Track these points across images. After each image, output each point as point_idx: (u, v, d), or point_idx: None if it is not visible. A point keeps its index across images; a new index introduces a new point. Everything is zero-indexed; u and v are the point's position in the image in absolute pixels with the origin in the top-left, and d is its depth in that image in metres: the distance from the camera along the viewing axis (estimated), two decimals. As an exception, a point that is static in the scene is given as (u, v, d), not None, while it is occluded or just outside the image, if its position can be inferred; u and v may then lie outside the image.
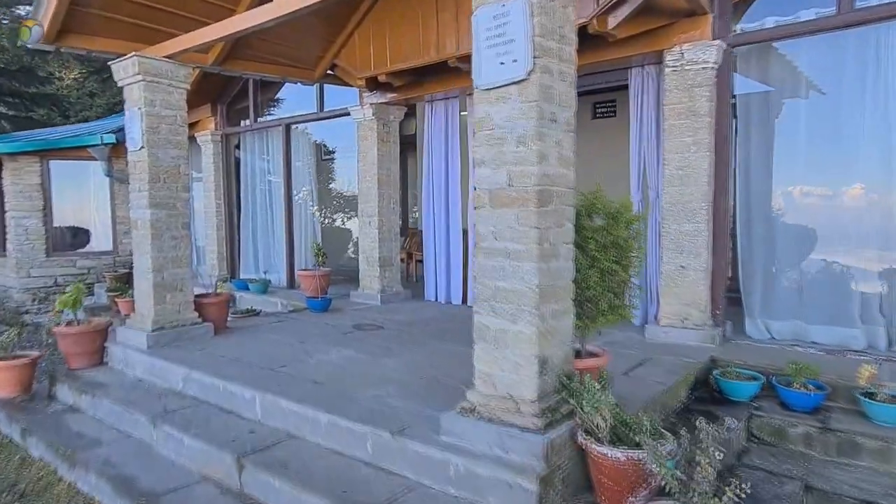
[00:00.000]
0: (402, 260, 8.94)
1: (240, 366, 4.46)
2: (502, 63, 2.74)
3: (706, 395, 4.24)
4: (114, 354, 5.20)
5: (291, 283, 8.84)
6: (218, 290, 8.26)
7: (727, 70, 4.88)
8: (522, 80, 2.69)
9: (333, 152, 12.88)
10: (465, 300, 7.10)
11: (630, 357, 4.46)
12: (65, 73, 21.51)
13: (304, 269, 7.90)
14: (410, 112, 9.29)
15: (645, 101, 5.57)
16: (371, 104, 7.16)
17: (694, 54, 4.83)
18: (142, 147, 5.11)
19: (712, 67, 4.79)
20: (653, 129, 5.51)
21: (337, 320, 6.22)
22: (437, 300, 7.38)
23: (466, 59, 5.85)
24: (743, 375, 4.19)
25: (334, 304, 7.01)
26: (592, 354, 3.24)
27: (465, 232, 7.23)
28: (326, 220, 13.51)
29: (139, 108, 5.08)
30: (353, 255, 12.32)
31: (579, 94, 8.19)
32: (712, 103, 4.84)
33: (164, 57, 5.08)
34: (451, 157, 7.14)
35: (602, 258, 3.01)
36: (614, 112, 8.16)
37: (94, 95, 20.49)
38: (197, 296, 5.68)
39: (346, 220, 13.83)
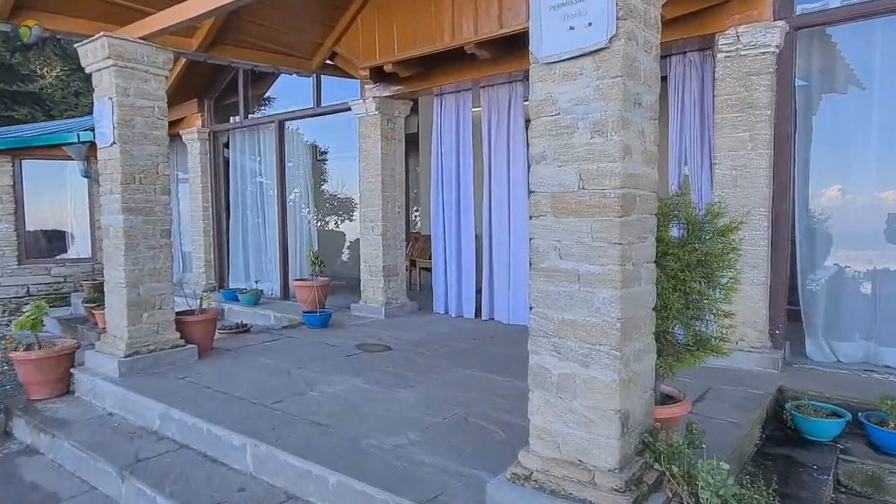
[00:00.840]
0: (405, 268, 8.28)
1: (227, 401, 3.77)
2: (572, 28, 2.09)
3: (779, 433, 3.60)
4: (81, 383, 4.49)
5: (285, 293, 8.14)
6: (204, 305, 7.57)
7: (789, 55, 4.26)
8: (601, 50, 2.04)
9: (326, 152, 12.19)
10: (478, 313, 6.44)
11: (686, 387, 3.82)
12: (46, 71, 20.70)
13: (301, 279, 7.21)
14: (412, 108, 8.65)
15: (687, 92, 4.94)
16: (374, 98, 6.50)
17: (752, 37, 4.20)
18: (113, 143, 4.42)
19: (773, 52, 4.17)
20: (696, 124, 4.89)
21: (338, 338, 5.54)
22: (446, 313, 6.72)
23: (485, 44, 5.21)
24: (822, 411, 3.56)
25: (334, 318, 6.33)
26: (669, 398, 2.60)
27: (478, 238, 6.59)
28: (320, 223, 12.81)
29: (110, 98, 4.39)
30: (346, 260, 11.65)
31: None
32: (772, 93, 4.22)
33: (139, 38, 4.39)
34: (462, 157, 6.48)
35: (687, 278, 2.37)
36: (636, 108, 7.53)
37: (79, 95, 19.64)
38: (179, 313, 4.99)
39: (339, 222, 13.14)
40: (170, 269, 4.70)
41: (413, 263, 9.09)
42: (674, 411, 2.46)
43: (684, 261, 2.39)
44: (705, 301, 2.43)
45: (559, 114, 2.16)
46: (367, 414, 3.48)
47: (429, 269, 9.05)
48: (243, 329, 6.48)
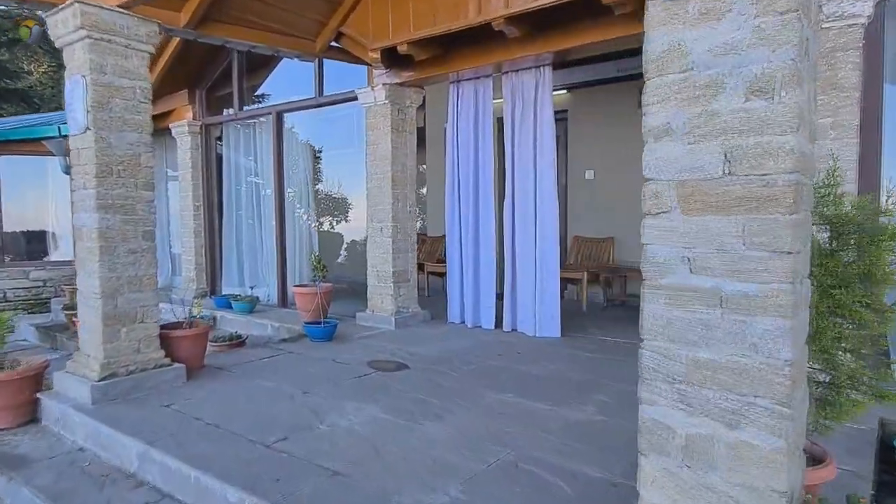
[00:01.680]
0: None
1: (220, 438, 3.12)
2: (716, -56, 1.47)
3: (889, 477, 3.00)
4: (48, 410, 3.83)
5: (283, 299, 7.48)
6: (195, 313, 6.93)
7: (879, 28, 3.67)
8: (763, -28, 1.42)
9: (327, 148, 11.53)
10: (498, 324, 5.81)
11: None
12: (34, 67, 19.99)
13: (302, 285, 6.56)
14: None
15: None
16: (384, 85, 5.86)
17: (838, 6, 3.60)
18: (87, 129, 3.76)
19: (862, 25, 3.58)
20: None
21: (345, 354, 4.89)
22: (462, 323, 6.09)
23: (516, 19, 4.58)
24: (941, 450, 2.97)
25: (338, 329, 5.69)
26: (813, 458, 1.98)
27: (500, 241, 5.96)
28: (320, 223, 12.14)
29: (83, 76, 3.73)
30: (343, 262, 11.00)
31: (620, 79, 6.91)
32: (859, 72, 3.62)
33: (117, 6, 3.74)
34: (482, 150, 5.85)
35: (846, 300, 1.75)
36: (666, 99, 6.94)
37: (67, 90, 18.89)
38: (165, 327, 4.34)
39: (339, 222, 12.46)
40: (154, 277, 4.05)
41: (420, 267, 8.45)
42: (822, 476, 1.85)
43: (839, 275, 1.77)
44: (863, 329, 1.81)
45: (693, 69, 1.54)
46: (392, 457, 2.84)
47: (438, 274, 8.42)
48: (238, 341, 5.82)
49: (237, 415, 3.44)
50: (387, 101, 5.89)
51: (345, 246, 11.57)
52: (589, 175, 7.54)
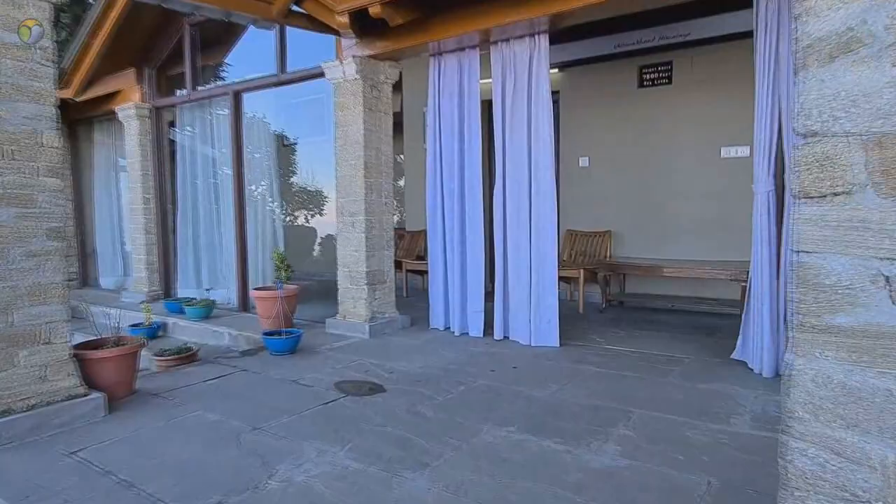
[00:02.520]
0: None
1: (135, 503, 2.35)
2: None
3: None
4: (-77, 458, 3.00)
5: (245, 302, 6.67)
6: (142, 319, 6.19)
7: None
8: None
9: (294, 135, 10.67)
10: (488, 331, 5.10)
11: None
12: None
13: (262, 288, 5.76)
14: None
15: (783, 48, 3.67)
16: (354, 58, 5.08)
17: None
18: (-34, 97, 2.93)
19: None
20: (798, 81, 3.62)
21: (310, 372, 4.13)
22: (447, 329, 5.37)
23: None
24: None
25: (304, 339, 4.92)
26: None
27: (489, 238, 5.25)
28: (288, 217, 11.29)
29: (-40, 29, 2.90)
30: (318, 257, 10.22)
31: (618, 56, 6.18)
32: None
33: (3, -62, 2.91)
34: (468, 134, 5.11)
35: None
36: (669, 78, 6.29)
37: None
38: (82, 346, 3.53)
39: (311, 216, 11.61)
40: (62, 286, 3.22)
41: (398, 265, 7.70)
42: None
43: None
44: None
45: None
46: (362, 533, 2.10)
47: (418, 272, 7.68)
48: (188, 355, 5.01)
49: (162, 466, 2.66)
50: (358, 77, 5.11)
51: (318, 241, 10.75)
52: (583, 163, 6.86)
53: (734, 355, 4.10)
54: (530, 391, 3.60)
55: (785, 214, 3.73)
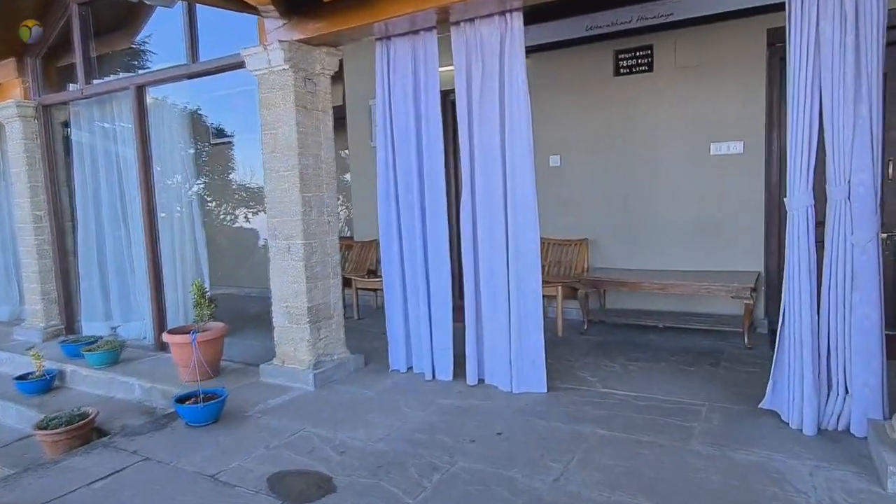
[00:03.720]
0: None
1: None
2: None
3: None
4: None
5: (162, 338, 5.55)
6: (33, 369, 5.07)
7: None
8: None
9: (231, 134, 9.44)
10: (460, 372, 4.24)
11: None
12: None
13: (176, 331, 4.69)
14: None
15: (825, 25, 2.92)
16: (281, 42, 4.06)
17: None
18: None
19: None
20: (849, 75, 2.88)
21: (237, 456, 3.16)
22: (410, 370, 4.49)
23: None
24: None
25: (233, 393, 3.94)
26: None
27: (458, 259, 4.38)
28: (226, 219, 10.07)
29: None
30: (260, 262, 9.08)
31: (591, 39, 5.40)
32: None
33: None
34: (426, 138, 4.19)
35: None
36: (649, 64, 5.54)
37: None
38: None
39: (252, 216, 10.37)
40: None
41: (346, 283, 6.73)
42: None
43: None
44: None
45: None
46: None
47: (371, 290, 6.74)
48: (83, 424, 3.93)
49: None
50: (287, 66, 4.10)
51: (261, 243, 9.58)
52: (554, 162, 6.06)
53: (763, 404, 3.39)
54: (528, 479, 2.76)
55: (829, 235, 3.01)
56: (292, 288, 4.30)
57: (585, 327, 5.47)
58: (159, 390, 4.54)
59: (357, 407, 3.82)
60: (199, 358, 4.13)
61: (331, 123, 4.45)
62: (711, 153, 5.30)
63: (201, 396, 3.73)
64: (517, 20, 3.76)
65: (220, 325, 4.72)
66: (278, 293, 4.40)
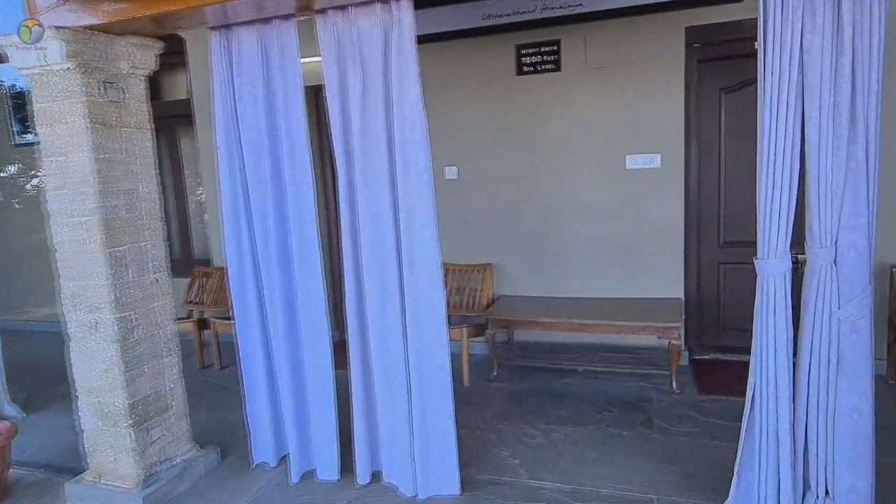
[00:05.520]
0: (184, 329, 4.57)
1: None
2: None
3: None
4: None
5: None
6: None
7: None
8: None
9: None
10: (347, 466, 3.27)
11: None
12: None
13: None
14: (171, 52, 5.06)
15: (811, 45, 2.22)
16: (60, 30, 2.74)
17: None
18: None
19: None
20: (842, 105, 2.21)
21: None
22: (284, 461, 3.44)
23: None
24: None
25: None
26: None
27: (337, 309, 3.36)
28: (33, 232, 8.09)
29: None
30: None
31: (489, 31, 4.62)
32: None
33: None
34: (290, 155, 3.07)
35: None
36: (556, 62, 4.78)
37: None
38: None
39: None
40: None
41: (202, 324, 5.42)
42: None
43: None
44: None
45: None
46: None
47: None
48: None
49: None
50: (71, 65, 2.79)
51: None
52: (451, 174, 5.18)
53: (729, 502, 2.77)
54: None
55: (809, 307, 2.39)
56: (104, 379, 3.05)
57: (495, 373, 4.70)
58: None
59: (204, 552, 2.73)
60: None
61: (150, 143, 3.19)
62: (628, 167, 4.69)
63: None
64: (406, 9, 2.77)
65: (5, 425, 3.35)
66: (85, 385, 3.12)
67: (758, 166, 2.39)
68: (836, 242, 2.31)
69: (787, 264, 2.39)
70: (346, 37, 2.86)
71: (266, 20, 2.95)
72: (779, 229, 2.36)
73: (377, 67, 2.83)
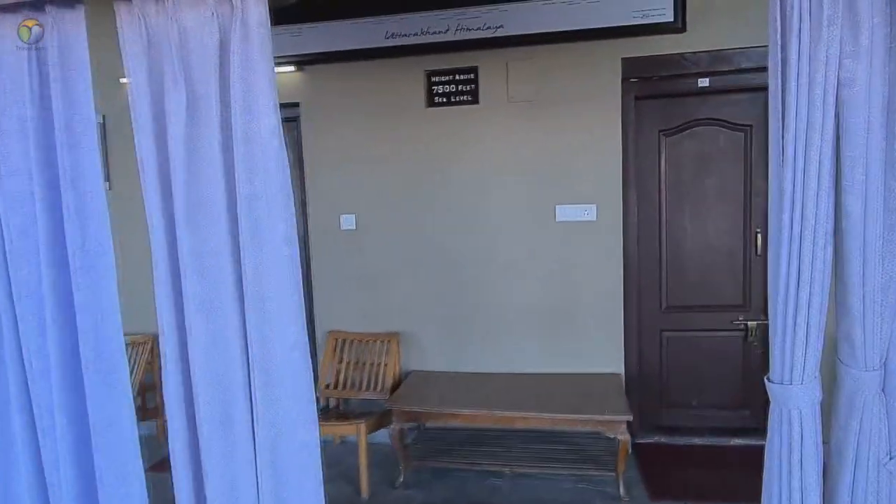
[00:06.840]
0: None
1: None
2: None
3: None
4: None
5: None
6: None
7: None
8: None
9: None
10: None
11: None
12: None
13: None
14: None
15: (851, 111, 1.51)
16: None
17: None
18: None
19: None
20: (892, 180, 1.52)
21: None
22: None
23: None
24: None
25: None
26: None
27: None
28: None
29: None
30: None
31: (394, 52, 3.83)
32: None
33: None
34: (73, 186, 2.02)
35: None
36: (474, 93, 4.01)
37: None
38: None
39: None
40: None
41: None
42: None
43: None
44: None
45: None
46: None
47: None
48: None
49: None
50: None
51: None
52: (347, 223, 4.23)
53: None
54: None
55: (848, 451, 1.64)
56: None
57: (402, 478, 3.72)
58: None
59: None
60: None
61: None
62: (558, 219, 3.96)
63: None
64: (256, 4, 1.83)
65: None
66: None
67: (770, 252, 1.64)
68: (884, 363, 1.59)
69: (817, 393, 1.64)
70: (162, 39, 1.87)
71: (35, 5, 1.90)
72: (806, 344, 1.60)
73: (211, 87, 1.85)
